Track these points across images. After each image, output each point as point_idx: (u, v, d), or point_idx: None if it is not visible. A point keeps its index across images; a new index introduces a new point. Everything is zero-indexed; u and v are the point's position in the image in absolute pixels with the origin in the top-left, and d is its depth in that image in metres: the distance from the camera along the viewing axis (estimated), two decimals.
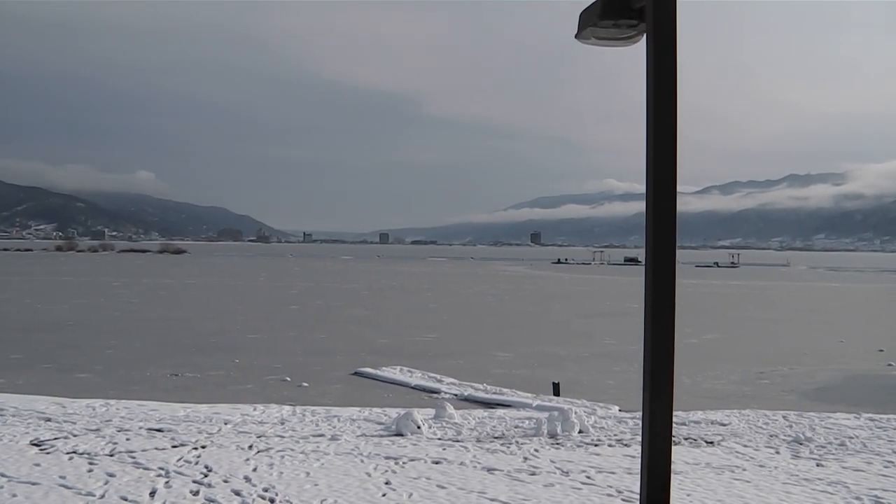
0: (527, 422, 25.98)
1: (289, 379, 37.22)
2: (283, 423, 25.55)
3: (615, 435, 24.12)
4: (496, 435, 24.03)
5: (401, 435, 23.56)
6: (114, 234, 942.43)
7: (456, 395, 33.24)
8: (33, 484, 17.87)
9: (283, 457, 20.63)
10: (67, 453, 20.90)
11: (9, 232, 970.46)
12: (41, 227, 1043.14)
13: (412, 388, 35.47)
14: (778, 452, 22.11)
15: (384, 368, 39.67)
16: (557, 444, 22.78)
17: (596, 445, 22.67)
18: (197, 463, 19.83)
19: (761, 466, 20.47)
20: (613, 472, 19.39)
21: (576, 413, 25.27)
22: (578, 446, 22.48)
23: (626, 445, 22.64)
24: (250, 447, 21.76)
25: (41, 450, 21.35)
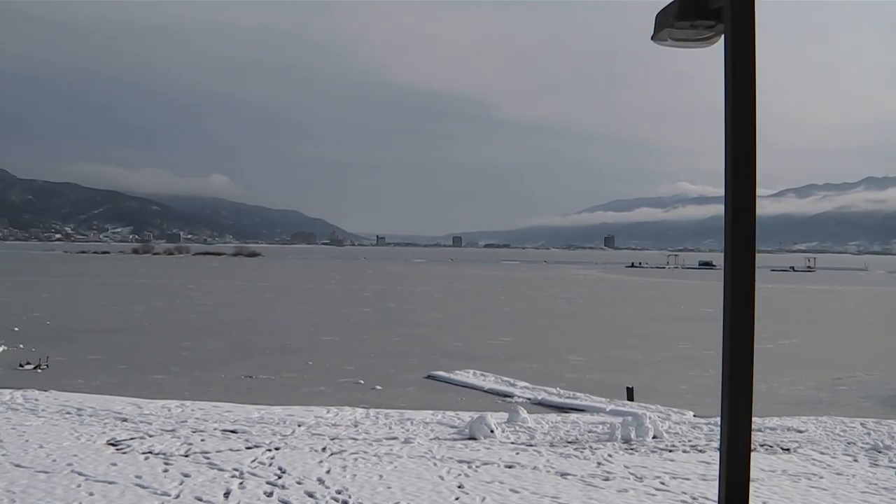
0: (600, 426, 25.83)
1: (362, 381, 37.32)
2: (356, 426, 25.62)
3: (690, 441, 23.90)
4: (569, 439, 23.92)
5: (474, 439, 23.53)
6: (189, 236, 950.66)
7: (529, 398, 33.15)
8: (110, 483, 18.08)
9: (356, 459, 20.68)
10: (143, 453, 21.13)
11: (86, 235, 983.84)
12: (118, 229, 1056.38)
13: (485, 391, 35.42)
14: (856, 460, 21.77)
15: (457, 372, 39.66)
16: (631, 449, 22.61)
17: (670, 451, 22.47)
18: (271, 464, 19.94)
19: (839, 474, 20.17)
20: (688, 479, 19.20)
21: (650, 418, 25.07)
22: (652, 452, 22.30)
23: (700, 451, 22.41)
24: (324, 449, 21.83)
25: (118, 449, 21.61)
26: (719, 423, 4.18)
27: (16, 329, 55.90)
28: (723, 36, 4.15)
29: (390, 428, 25.36)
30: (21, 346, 47.32)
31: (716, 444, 22.72)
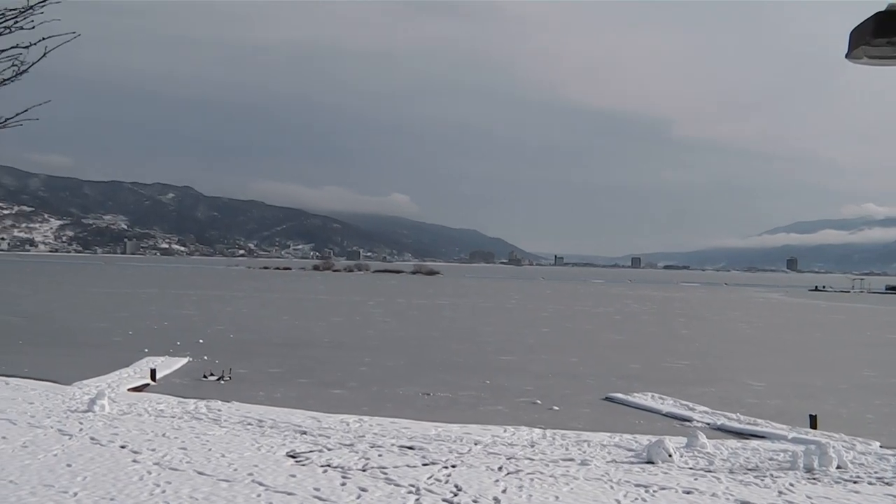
0: (782, 454, 25.22)
1: (539, 402, 37.17)
2: (532, 446, 25.54)
3: (876, 472, 23.10)
4: (749, 467, 23.39)
5: (652, 463, 23.20)
6: (368, 254, 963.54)
7: (708, 423, 32.57)
8: (289, 494, 18.40)
9: (532, 479, 20.59)
10: (322, 466, 21.44)
11: (269, 251, 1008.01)
12: (299, 246, 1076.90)
13: (663, 415, 34.90)
14: None
15: (635, 394, 39.21)
16: (814, 479, 21.97)
17: (855, 483, 21.75)
18: (447, 482, 19.99)
19: None
20: None
21: (834, 447, 24.33)
22: (836, 483, 21.62)
23: (887, 484, 21.63)
24: (500, 468, 21.81)
25: (297, 461, 21.99)
26: None
27: (200, 341, 57.55)
28: None
29: (567, 449, 25.22)
30: (205, 357, 48.68)
31: None
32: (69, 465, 20.76)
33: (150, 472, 20.17)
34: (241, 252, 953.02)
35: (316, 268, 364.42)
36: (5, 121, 9.95)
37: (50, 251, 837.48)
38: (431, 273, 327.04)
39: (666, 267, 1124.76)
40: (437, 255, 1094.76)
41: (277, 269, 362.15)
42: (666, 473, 21.95)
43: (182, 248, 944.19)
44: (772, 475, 22.25)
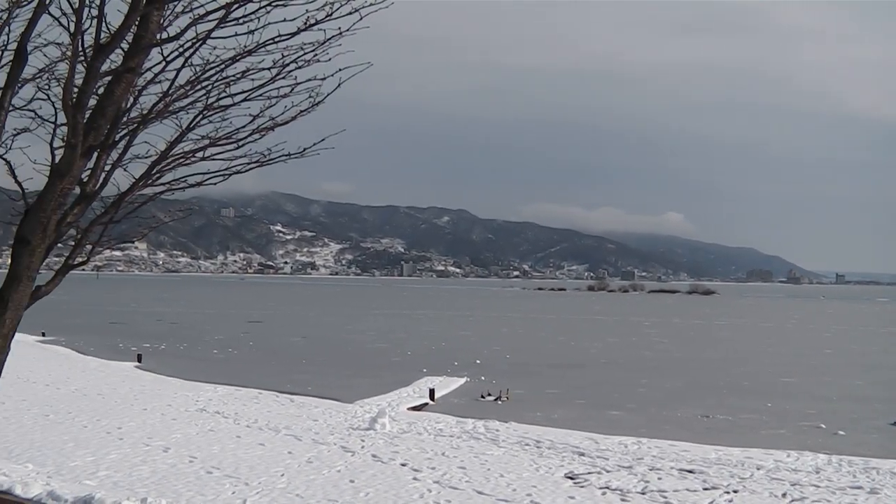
0: None
1: (823, 426, 35.84)
2: (817, 472, 24.66)
3: None
4: None
5: None
6: (643, 274, 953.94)
7: None
8: None
9: None
10: (600, 488, 21.38)
11: (543, 272, 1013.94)
12: (573, 267, 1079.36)
13: None
14: None
15: None
16: None
17: None
18: None
19: None
20: None
21: None
22: None
23: None
24: (784, 495, 21.21)
25: (575, 483, 21.99)
26: None
27: (477, 361, 58.23)
28: None
29: (854, 476, 24.22)
30: (482, 378, 49.17)
31: None
32: (352, 482, 21.35)
33: (430, 491, 20.54)
34: (516, 273, 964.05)
35: (591, 288, 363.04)
36: (303, 150, 10.30)
37: (330, 274, 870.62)
38: (708, 293, 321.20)
39: None
40: (713, 274, 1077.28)
41: (552, 289, 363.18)
42: None
43: (457, 270, 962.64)
44: None
